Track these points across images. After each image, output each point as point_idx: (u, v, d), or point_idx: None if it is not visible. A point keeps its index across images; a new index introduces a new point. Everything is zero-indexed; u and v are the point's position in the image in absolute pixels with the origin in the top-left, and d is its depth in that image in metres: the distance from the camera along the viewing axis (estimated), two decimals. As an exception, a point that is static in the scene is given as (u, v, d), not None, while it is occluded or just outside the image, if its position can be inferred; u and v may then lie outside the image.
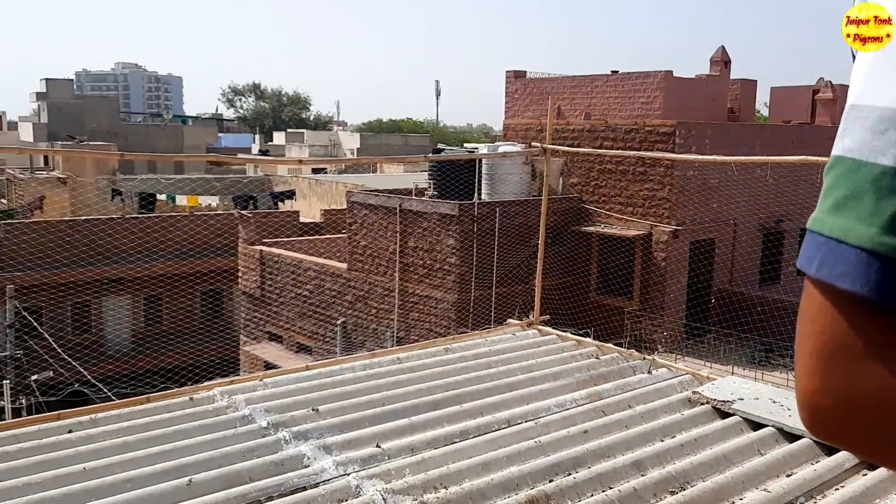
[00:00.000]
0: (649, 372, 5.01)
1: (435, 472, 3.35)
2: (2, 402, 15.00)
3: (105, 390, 15.93)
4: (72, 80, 59.67)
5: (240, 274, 22.60)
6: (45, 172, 32.85)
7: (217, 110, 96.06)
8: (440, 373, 4.87)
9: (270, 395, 4.34)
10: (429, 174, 20.03)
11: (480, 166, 18.60)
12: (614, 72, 20.02)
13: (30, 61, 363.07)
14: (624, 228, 17.93)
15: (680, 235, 17.45)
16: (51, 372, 18.36)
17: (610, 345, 5.63)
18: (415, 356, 5.28)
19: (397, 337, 17.62)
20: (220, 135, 64.58)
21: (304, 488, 3.23)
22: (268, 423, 3.85)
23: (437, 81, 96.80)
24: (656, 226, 17.53)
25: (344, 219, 21.16)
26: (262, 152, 49.84)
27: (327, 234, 24.38)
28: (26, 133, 48.72)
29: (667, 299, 17.39)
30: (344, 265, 19.48)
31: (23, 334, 19.08)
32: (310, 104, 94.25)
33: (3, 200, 29.75)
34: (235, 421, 3.96)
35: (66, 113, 46.45)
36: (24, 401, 15.75)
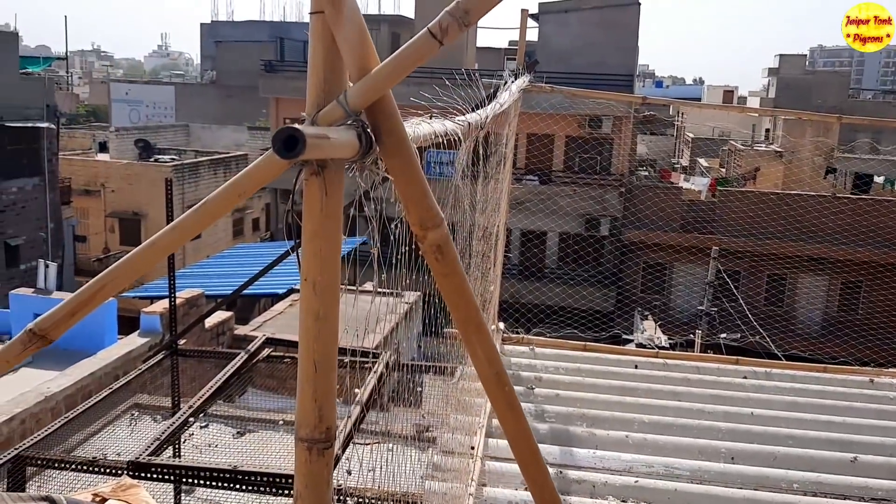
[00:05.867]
0: None
1: None
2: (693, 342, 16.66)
3: (780, 356, 16.00)
4: (805, 55, 59.82)
5: (959, 273, 19.68)
6: (763, 145, 34.18)
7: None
8: None
9: (970, 401, 3.73)
10: None
11: None
12: None
13: (766, 40, 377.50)
14: None
15: None
16: (738, 334, 19.34)
17: None
18: None
19: None
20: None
21: None
22: (960, 429, 3.35)
23: None
24: None
25: None
26: None
27: None
28: (753, 106, 51.09)
29: None
30: None
31: (719, 294, 20.51)
32: None
33: (721, 169, 32.21)
34: (920, 416, 3.56)
35: (794, 88, 46.92)
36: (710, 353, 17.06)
